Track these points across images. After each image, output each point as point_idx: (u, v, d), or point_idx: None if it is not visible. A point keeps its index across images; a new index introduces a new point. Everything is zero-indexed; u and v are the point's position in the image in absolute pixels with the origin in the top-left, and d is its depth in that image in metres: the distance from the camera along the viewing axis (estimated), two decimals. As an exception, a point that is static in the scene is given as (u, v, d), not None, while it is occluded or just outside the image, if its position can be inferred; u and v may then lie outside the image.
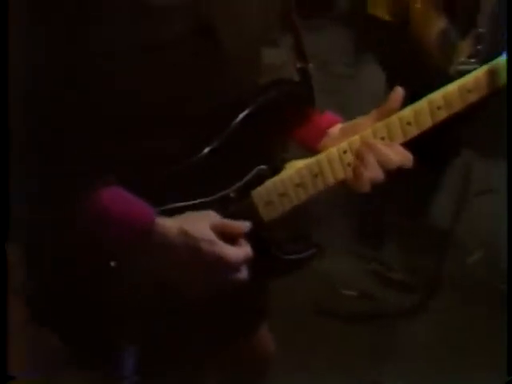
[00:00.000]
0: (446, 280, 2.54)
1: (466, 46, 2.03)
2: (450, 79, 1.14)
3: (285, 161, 1.17)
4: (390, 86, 1.18)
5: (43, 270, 1.15)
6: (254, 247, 1.08)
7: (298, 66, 1.17)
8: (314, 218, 2.55)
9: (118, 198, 1.02)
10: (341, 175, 1.13)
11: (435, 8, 2.09)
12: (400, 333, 2.41)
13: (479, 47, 2.00)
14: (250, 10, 1.09)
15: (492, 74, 1.15)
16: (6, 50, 0.98)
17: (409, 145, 1.13)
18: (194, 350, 1.24)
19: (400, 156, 1.10)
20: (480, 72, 1.13)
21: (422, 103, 1.13)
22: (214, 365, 1.46)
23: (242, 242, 1.07)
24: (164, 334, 1.15)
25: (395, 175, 1.12)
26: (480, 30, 2.01)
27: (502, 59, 1.14)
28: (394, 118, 1.12)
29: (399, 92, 1.12)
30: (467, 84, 1.14)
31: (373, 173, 1.09)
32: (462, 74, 1.80)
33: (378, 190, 2.35)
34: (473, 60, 2.01)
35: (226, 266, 1.03)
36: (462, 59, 2.04)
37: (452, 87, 1.14)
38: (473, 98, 1.14)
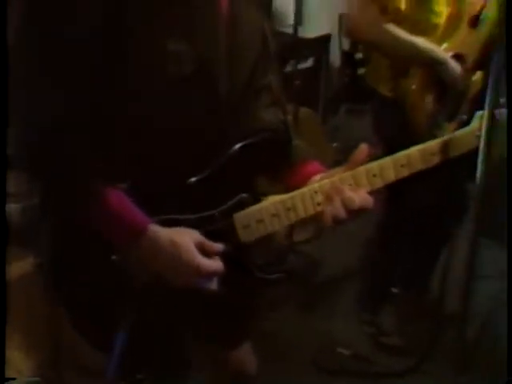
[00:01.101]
0: (441, 346, 2.64)
1: (450, 129, 2.24)
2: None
3: (266, 194, 1.37)
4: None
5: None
6: (231, 261, 1.31)
7: (281, 117, 1.40)
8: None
9: (123, 202, 1.25)
10: (310, 211, 1.34)
11: (428, 92, 2.30)
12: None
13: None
14: (244, 61, 1.33)
15: (452, 142, 1.35)
16: (5, 50, 1.18)
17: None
18: (181, 347, 1.47)
19: (362, 199, 1.31)
20: (444, 139, 1.36)
21: (388, 160, 1.34)
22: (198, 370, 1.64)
23: (216, 258, 1.30)
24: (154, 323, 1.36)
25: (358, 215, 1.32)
26: (464, 116, 2.24)
27: (463, 131, 1.39)
28: (362, 169, 1.34)
29: (364, 149, 1.34)
30: (431, 148, 1.34)
31: (336, 210, 1.29)
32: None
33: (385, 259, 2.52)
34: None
35: (200, 273, 1.27)
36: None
37: (415, 149, 1.34)
38: (436, 160, 1.34)
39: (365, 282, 2.91)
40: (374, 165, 1.34)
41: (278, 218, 1.34)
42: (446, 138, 1.36)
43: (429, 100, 2.31)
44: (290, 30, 3.33)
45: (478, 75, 2.39)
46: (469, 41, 2.37)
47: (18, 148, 1.25)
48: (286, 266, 1.45)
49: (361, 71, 2.53)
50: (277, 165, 1.41)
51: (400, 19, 2.30)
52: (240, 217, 1.35)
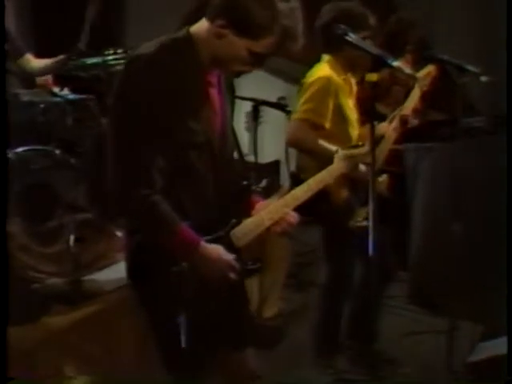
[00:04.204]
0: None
1: (362, 212, 3.27)
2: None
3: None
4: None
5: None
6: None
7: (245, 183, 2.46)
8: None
9: (186, 229, 2.22)
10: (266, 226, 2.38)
11: (344, 184, 3.29)
12: None
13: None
14: (229, 137, 2.39)
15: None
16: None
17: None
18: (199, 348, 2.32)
19: (292, 216, 2.40)
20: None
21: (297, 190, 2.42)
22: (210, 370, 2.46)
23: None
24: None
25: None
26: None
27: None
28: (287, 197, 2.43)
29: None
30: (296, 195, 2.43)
31: (281, 227, 2.38)
32: (358, 229, 3.19)
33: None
34: (365, 222, 3.24)
35: (232, 267, 2.28)
36: (359, 219, 3.29)
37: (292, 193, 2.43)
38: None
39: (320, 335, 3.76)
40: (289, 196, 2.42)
41: (251, 232, 2.35)
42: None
43: (344, 189, 3.30)
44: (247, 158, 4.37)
45: (383, 177, 3.42)
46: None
47: (111, 191, 2.15)
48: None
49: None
50: (247, 202, 2.45)
51: (325, 133, 3.22)
52: (234, 232, 2.34)
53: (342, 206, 3.37)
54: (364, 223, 3.25)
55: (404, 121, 3.58)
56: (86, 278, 3.25)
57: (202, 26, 2.21)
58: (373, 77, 2.20)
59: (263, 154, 5.21)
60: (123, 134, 2.15)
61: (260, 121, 4.65)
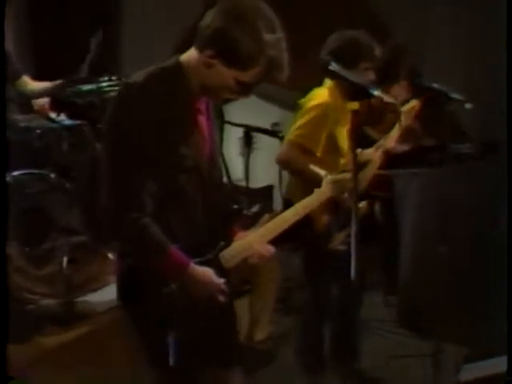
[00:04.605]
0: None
1: (340, 236, 3.37)
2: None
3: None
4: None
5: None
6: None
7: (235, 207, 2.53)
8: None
9: (176, 251, 2.27)
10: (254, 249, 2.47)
11: (326, 208, 3.34)
12: None
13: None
14: (217, 162, 2.48)
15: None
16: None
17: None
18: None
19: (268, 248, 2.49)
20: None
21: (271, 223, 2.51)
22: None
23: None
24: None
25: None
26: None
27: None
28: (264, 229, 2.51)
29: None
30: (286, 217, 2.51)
31: (253, 260, 2.46)
32: (337, 251, 3.31)
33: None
34: (342, 247, 3.35)
35: (221, 290, 2.34)
36: (337, 243, 3.39)
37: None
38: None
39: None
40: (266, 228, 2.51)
41: (239, 254, 2.42)
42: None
43: (324, 214, 3.36)
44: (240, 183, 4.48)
45: (362, 204, 3.47)
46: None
47: (104, 215, 2.22)
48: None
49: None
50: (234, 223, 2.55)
51: (315, 160, 3.21)
52: (222, 255, 2.42)
53: (322, 231, 3.45)
54: (341, 246, 3.36)
55: (387, 152, 3.68)
56: (79, 299, 3.32)
57: (191, 55, 2.30)
58: (354, 105, 2.29)
59: (256, 180, 5.40)
60: (115, 160, 2.23)
61: (253, 147, 4.74)
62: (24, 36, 5.42)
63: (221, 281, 2.35)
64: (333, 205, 3.22)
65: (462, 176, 4.17)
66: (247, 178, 4.69)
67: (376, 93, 2.29)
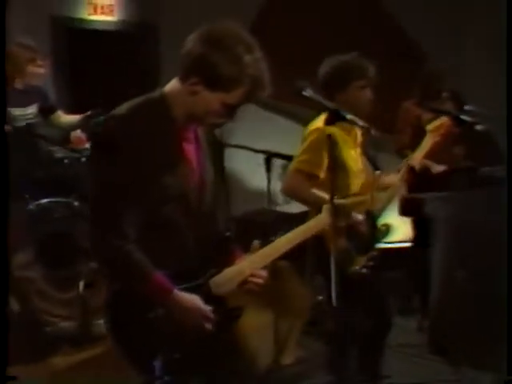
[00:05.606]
0: None
1: (360, 260, 3.37)
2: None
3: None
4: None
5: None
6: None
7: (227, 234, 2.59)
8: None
9: (160, 277, 2.30)
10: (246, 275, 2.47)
11: (341, 233, 3.24)
12: None
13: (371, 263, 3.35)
14: (206, 192, 2.49)
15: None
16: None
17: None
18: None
19: (259, 275, 2.50)
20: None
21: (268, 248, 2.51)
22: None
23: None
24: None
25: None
26: (373, 253, 3.37)
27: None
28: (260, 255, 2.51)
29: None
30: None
31: (248, 287, 2.49)
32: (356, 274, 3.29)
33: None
34: (364, 269, 3.35)
35: (207, 317, 2.36)
36: (357, 267, 3.38)
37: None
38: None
39: None
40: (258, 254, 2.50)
41: (231, 280, 2.44)
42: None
43: (342, 238, 3.30)
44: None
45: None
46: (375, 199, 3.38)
47: (89, 242, 2.31)
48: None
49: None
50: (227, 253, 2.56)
51: (320, 183, 3.29)
52: (212, 281, 2.43)
53: (340, 255, 3.44)
54: (364, 270, 3.35)
55: (410, 170, 3.68)
56: (95, 322, 3.42)
57: (174, 85, 2.37)
58: (330, 129, 2.32)
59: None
60: (98, 189, 2.31)
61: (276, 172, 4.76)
62: (63, 70, 5.64)
63: (208, 308, 2.37)
64: (350, 228, 3.22)
65: (492, 200, 4.12)
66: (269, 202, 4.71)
67: (349, 116, 2.32)
